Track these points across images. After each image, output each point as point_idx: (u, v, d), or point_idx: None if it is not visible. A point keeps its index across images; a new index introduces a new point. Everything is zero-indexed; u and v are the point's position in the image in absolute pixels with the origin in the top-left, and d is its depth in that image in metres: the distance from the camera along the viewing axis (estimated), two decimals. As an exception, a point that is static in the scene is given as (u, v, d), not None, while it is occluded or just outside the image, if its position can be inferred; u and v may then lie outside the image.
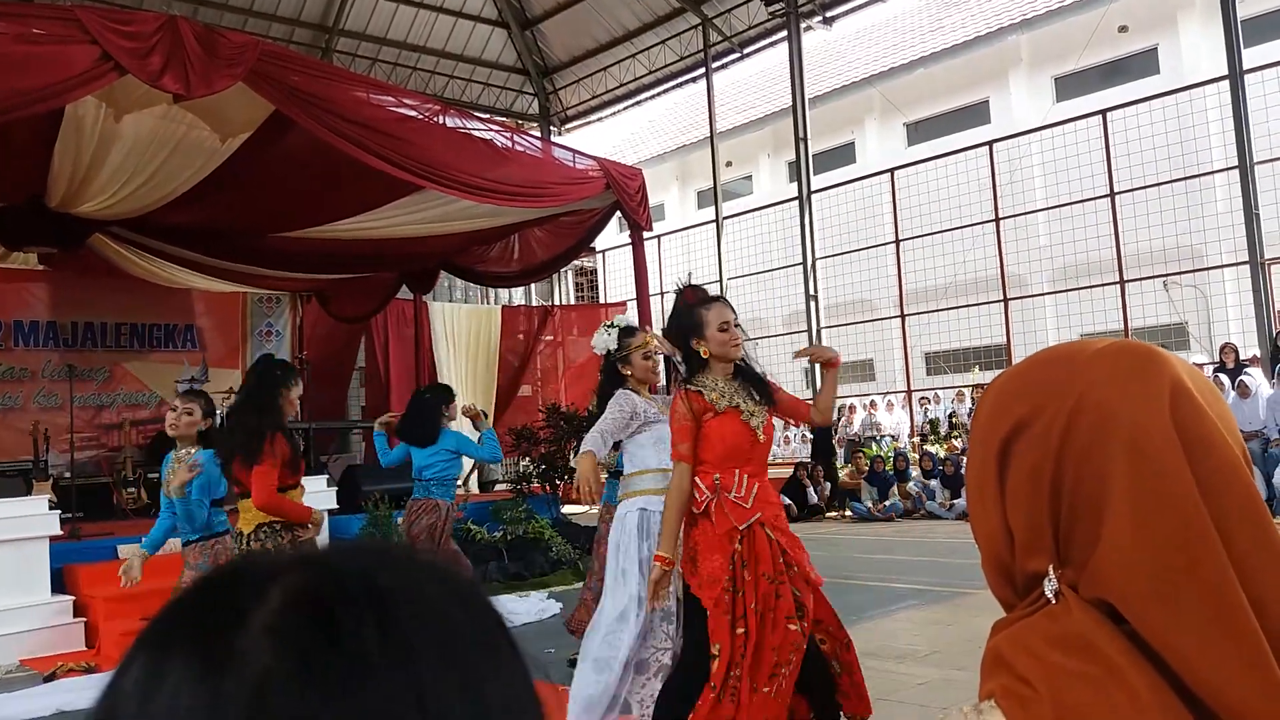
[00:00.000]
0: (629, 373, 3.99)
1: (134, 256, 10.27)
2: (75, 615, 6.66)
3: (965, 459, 0.89)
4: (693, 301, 3.36)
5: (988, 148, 14.09)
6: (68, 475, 9.52)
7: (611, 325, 4.13)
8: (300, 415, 12.46)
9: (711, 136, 16.73)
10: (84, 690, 5.13)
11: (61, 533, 7.06)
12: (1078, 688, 0.73)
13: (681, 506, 3.25)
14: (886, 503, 12.33)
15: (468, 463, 7.98)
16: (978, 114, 19.05)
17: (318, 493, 8.03)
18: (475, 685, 0.41)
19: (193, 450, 4.27)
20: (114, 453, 11.05)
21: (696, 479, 3.27)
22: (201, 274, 11.00)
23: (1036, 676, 0.75)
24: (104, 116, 6.84)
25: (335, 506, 8.21)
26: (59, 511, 7.26)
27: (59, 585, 6.78)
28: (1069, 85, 17.88)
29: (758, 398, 3.34)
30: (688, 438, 3.24)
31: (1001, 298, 13.96)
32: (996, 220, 13.97)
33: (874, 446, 13.86)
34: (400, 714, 0.38)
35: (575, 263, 18.02)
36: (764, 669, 3.02)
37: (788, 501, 12.82)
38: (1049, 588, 0.78)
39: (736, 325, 3.33)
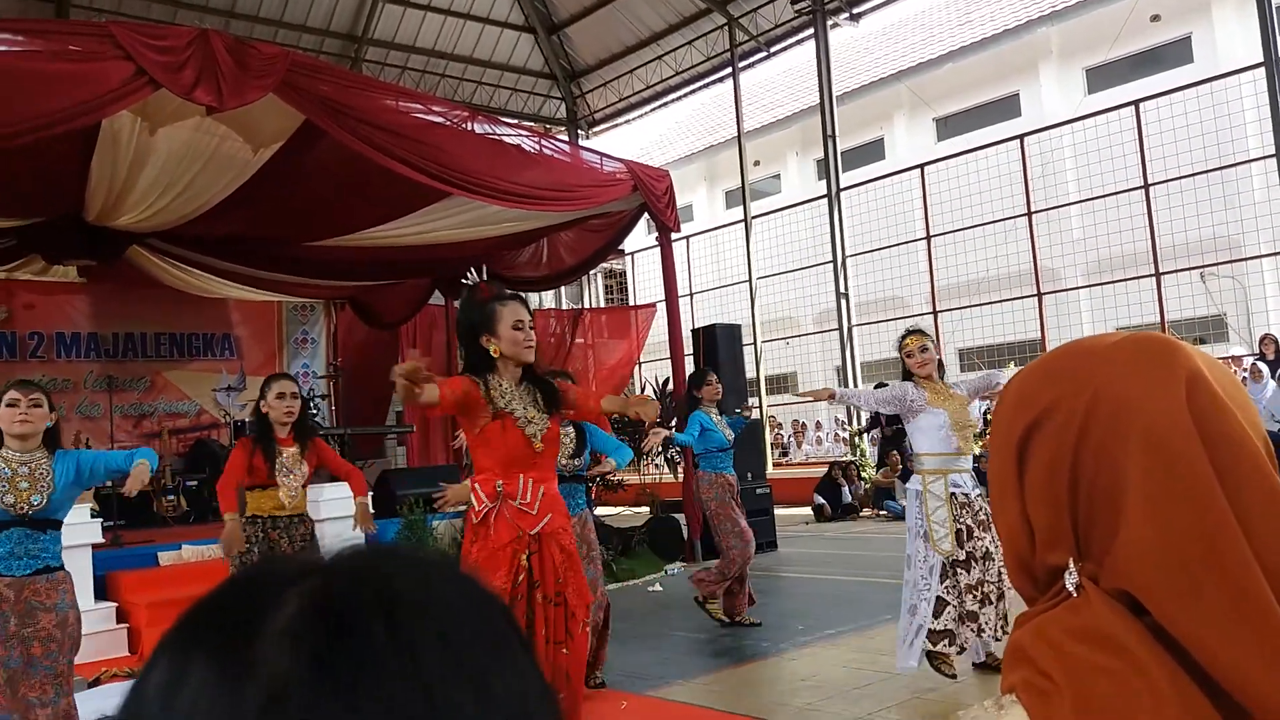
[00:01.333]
0: (910, 365, 4.77)
1: (171, 267, 10.43)
2: (118, 621, 6.76)
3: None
4: (487, 297, 3.27)
5: (1019, 141, 13.95)
6: (109, 484, 9.67)
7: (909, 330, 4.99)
8: (336, 420, 12.60)
9: (739, 136, 16.69)
10: (119, 695, 5.21)
11: (104, 540, 7.19)
12: (1099, 680, 0.72)
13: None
14: (921, 501, 12.23)
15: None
16: (1008, 108, 18.88)
17: (350, 497, 8.08)
18: (484, 681, 0.42)
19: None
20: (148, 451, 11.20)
21: (476, 485, 3.20)
22: (237, 284, 11.15)
23: (1057, 670, 0.75)
24: (139, 130, 6.95)
25: (371, 511, 8.25)
26: (101, 520, 7.39)
27: (101, 592, 6.88)
28: (1100, 76, 17.66)
29: (541, 404, 3.26)
30: (444, 386, 3.10)
31: (1035, 292, 13.81)
32: (1029, 214, 13.83)
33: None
34: (411, 712, 0.40)
35: (604, 265, 18.06)
36: None
37: (821, 501, 12.79)
38: (1069, 581, 0.78)
39: (530, 326, 3.28)
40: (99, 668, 6.16)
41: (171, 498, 10.08)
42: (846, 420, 15.32)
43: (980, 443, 13.00)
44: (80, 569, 6.78)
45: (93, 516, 7.17)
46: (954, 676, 4.54)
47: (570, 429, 5.05)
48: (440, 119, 7.75)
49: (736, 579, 6.29)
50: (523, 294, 3.57)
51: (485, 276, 3.41)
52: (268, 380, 4.99)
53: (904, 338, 4.86)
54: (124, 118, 6.61)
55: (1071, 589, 0.78)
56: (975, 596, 4.50)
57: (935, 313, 14.75)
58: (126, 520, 9.22)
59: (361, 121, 6.94)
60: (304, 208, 8.67)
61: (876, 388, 4.98)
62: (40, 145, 6.10)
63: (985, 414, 10.40)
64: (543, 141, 8.68)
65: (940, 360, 4.91)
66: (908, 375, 4.83)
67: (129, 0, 14.35)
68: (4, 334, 10.91)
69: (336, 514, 7.85)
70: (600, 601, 4.98)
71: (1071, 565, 0.78)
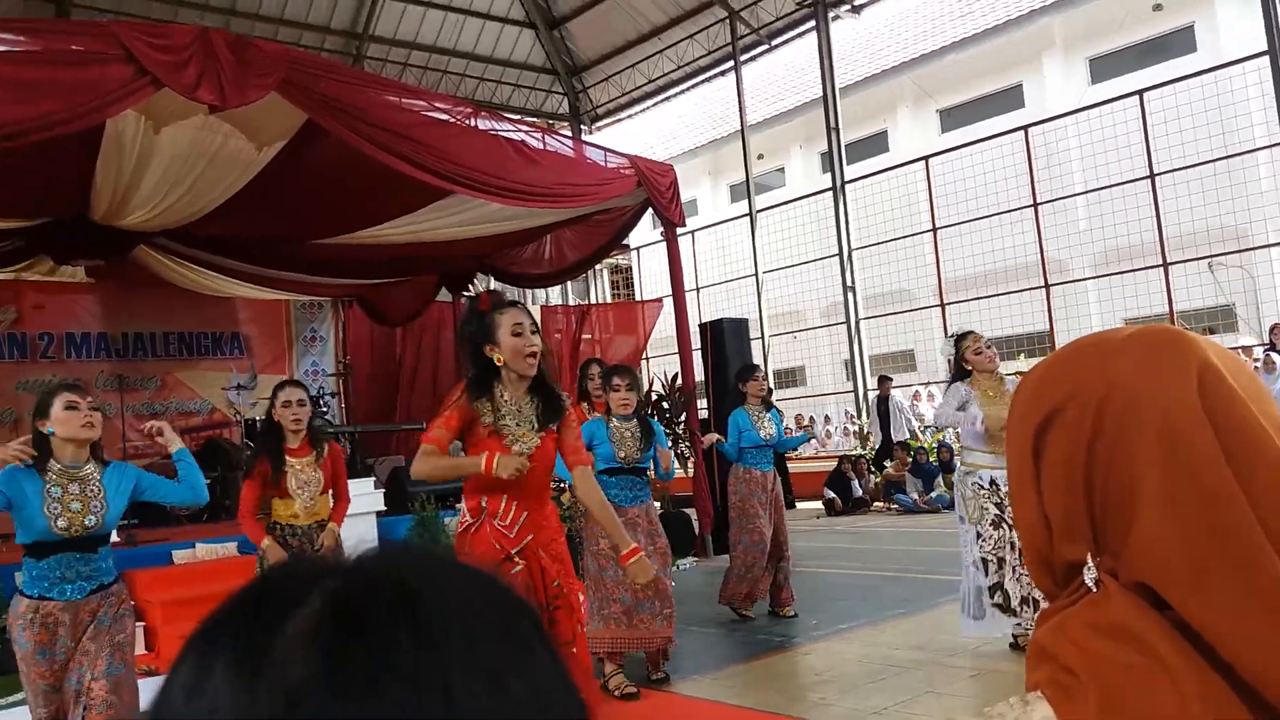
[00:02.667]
0: (969, 365, 5.19)
1: (178, 267, 10.45)
2: (134, 619, 6.78)
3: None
4: (486, 308, 3.23)
5: (1023, 132, 13.91)
6: (120, 483, 9.69)
7: (950, 336, 5.45)
8: (346, 419, 12.63)
9: (743, 130, 16.67)
10: (144, 692, 5.23)
11: (119, 539, 7.21)
12: (1121, 675, 0.73)
13: (447, 466, 3.26)
14: (932, 494, 12.22)
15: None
16: (1011, 98, 18.82)
17: (365, 495, 8.13)
18: (502, 680, 0.42)
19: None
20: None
21: (463, 501, 3.19)
22: (245, 282, 11.17)
23: (1080, 665, 0.75)
24: (143, 130, 6.95)
25: (384, 508, 8.30)
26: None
27: (116, 591, 6.91)
28: (1104, 66, 17.60)
29: (540, 418, 3.19)
30: (443, 428, 3.13)
31: (1043, 284, 13.77)
32: (1035, 205, 13.78)
33: (917, 438, 13.76)
34: (428, 713, 0.40)
35: (610, 260, 18.05)
36: None
37: (831, 495, 12.78)
38: (1088, 576, 0.78)
39: (533, 331, 3.20)
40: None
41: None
42: (855, 414, 15.29)
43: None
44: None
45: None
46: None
47: (634, 423, 5.27)
48: (443, 115, 7.74)
49: (764, 573, 6.37)
50: (527, 294, 3.60)
51: (489, 287, 3.47)
52: (276, 387, 4.96)
53: (962, 340, 5.31)
54: (128, 117, 6.61)
55: (1091, 584, 0.78)
56: (1014, 549, 4.98)
57: (942, 305, 14.73)
58: (140, 519, 9.26)
59: (363, 120, 6.93)
60: (309, 206, 8.68)
61: (945, 400, 5.46)
62: (46, 146, 6.11)
63: None
64: (546, 138, 8.66)
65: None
66: (960, 375, 5.27)
67: (130, 1, 14.37)
68: (14, 335, 10.95)
69: (351, 511, 7.85)
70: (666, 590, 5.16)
71: (1090, 560, 0.78)
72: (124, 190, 7.89)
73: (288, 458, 4.69)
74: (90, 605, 3.33)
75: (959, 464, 5.48)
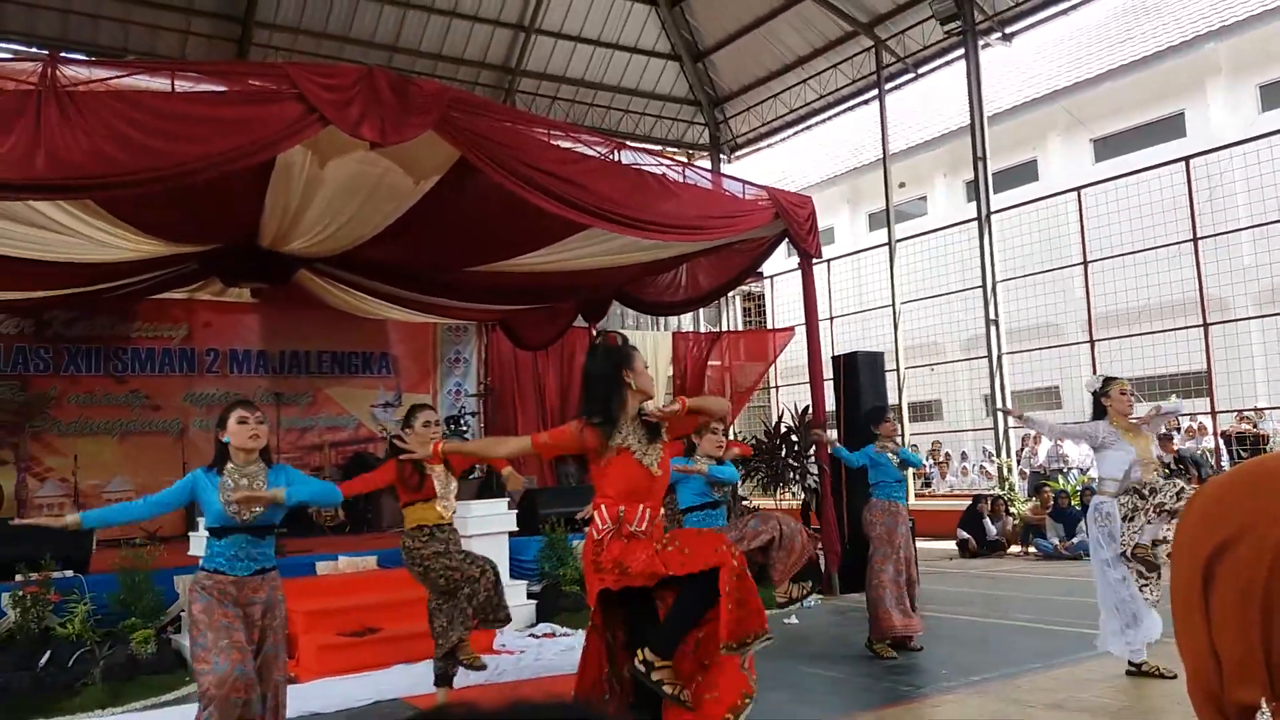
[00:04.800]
0: (1108, 405, 5.74)
1: (336, 290, 11.03)
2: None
3: (1171, 569, 0.84)
4: (621, 344, 3.79)
5: (1184, 163, 13.26)
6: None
7: (1099, 376, 5.98)
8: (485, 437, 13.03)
9: (884, 158, 16.44)
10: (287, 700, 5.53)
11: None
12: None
13: (495, 450, 4.63)
14: (1074, 540, 11.65)
15: None
16: (1172, 127, 17.96)
17: (497, 515, 8.38)
18: None
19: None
20: (315, 472, 11.84)
21: (600, 510, 3.58)
22: (396, 306, 11.70)
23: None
24: (309, 163, 7.40)
25: (515, 529, 8.52)
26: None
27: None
28: (1276, 93, 16.62)
29: (650, 438, 3.66)
30: (553, 438, 3.83)
31: (1201, 322, 13.06)
32: (1195, 240, 13.10)
33: (1060, 480, 13.23)
34: None
35: (743, 287, 18.05)
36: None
37: (965, 536, 12.39)
38: None
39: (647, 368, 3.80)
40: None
41: (330, 509, 10.61)
42: (994, 451, 14.80)
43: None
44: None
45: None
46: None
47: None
48: (588, 150, 7.95)
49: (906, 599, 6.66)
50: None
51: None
52: (414, 409, 5.54)
53: (1110, 384, 5.80)
54: (296, 151, 7.05)
55: None
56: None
57: (1092, 341, 14.13)
58: (288, 529, 9.77)
59: (513, 156, 7.20)
60: (459, 235, 9.05)
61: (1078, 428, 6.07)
62: (222, 179, 6.57)
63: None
64: (686, 171, 8.78)
65: None
66: (1099, 414, 5.80)
67: (303, 39, 15.29)
68: (185, 350, 11.76)
69: (483, 530, 8.16)
70: None
71: (1265, 705, 0.73)
72: (290, 219, 8.40)
73: (426, 465, 5.30)
74: (253, 584, 3.87)
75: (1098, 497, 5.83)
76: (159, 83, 6.29)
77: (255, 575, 3.87)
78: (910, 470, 7.07)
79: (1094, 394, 5.92)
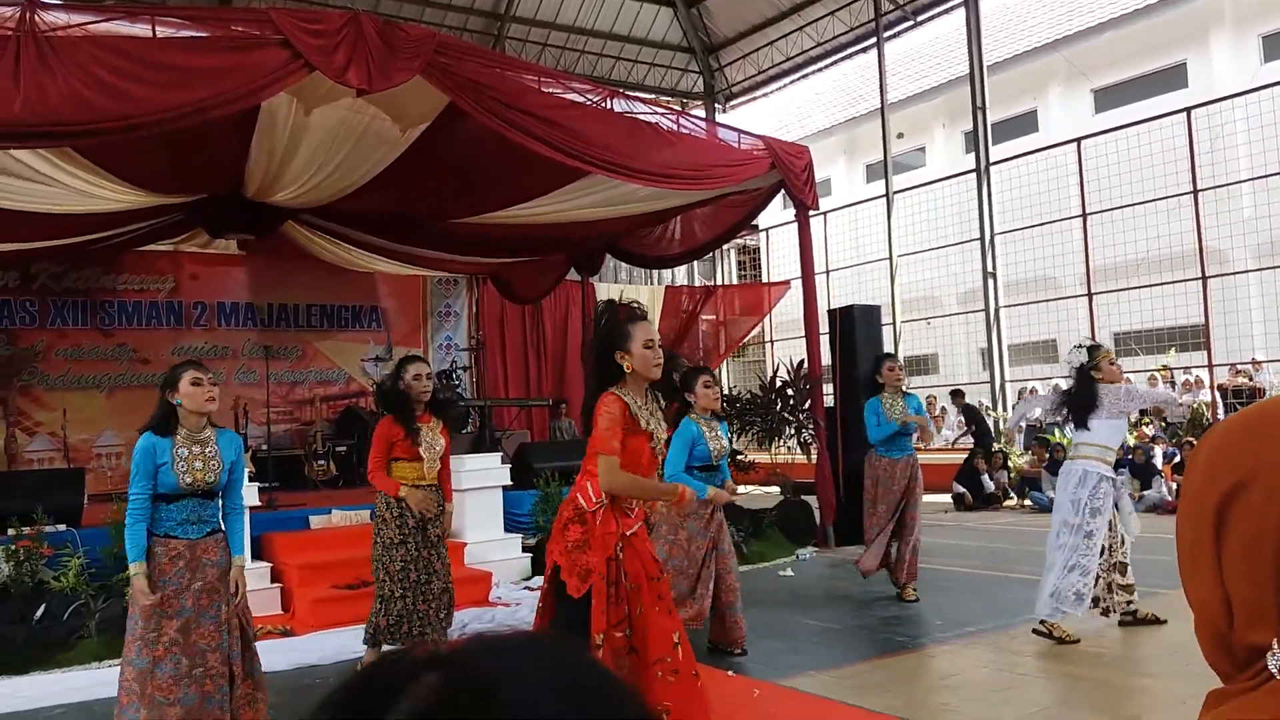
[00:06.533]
0: (1099, 377, 5.44)
1: (323, 241, 10.87)
2: (272, 581, 7.13)
3: (1178, 516, 0.82)
4: (622, 318, 3.43)
5: (1186, 114, 13.08)
6: (265, 447, 10.20)
7: (1079, 346, 5.60)
8: (477, 393, 12.95)
9: (883, 108, 16.19)
10: (280, 652, 5.51)
11: (260, 503, 7.57)
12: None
13: (640, 487, 3.42)
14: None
15: None
16: (1174, 78, 17.70)
17: (491, 469, 8.33)
18: None
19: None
20: (306, 426, 11.79)
21: (589, 484, 3.37)
22: (385, 258, 11.55)
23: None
24: (295, 111, 7.23)
25: (509, 482, 8.48)
26: (257, 483, 7.79)
27: (257, 552, 7.25)
28: (1279, 44, 16.37)
29: (661, 420, 3.51)
30: (620, 434, 3.32)
31: (1200, 275, 12.97)
32: (1195, 192, 12.97)
33: (1055, 433, 13.20)
34: None
35: (738, 240, 17.90)
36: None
37: (961, 490, 12.40)
38: (1272, 662, 0.72)
39: (660, 345, 3.45)
40: (255, 624, 6.51)
41: (322, 462, 10.57)
42: (991, 405, 14.77)
43: (1134, 434, 12.37)
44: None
45: (250, 480, 7.57)
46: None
47: (713, 420, 5.55)
48: (580, 97, 7.79)
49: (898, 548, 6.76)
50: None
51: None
52: (405, 360, 5.38)
53: (1097, 353, 5.51)
54: (281, 99, 6.89)
55: (1275, 670, 0.72)
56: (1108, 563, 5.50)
57: (1090, 294, 14.05)
58: (280, 483, 9.72)
59: (502, 103, 7.04)
60: (449, 185, 8.89)
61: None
62: (205, 127, 6.42)
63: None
64: (680, 120, 8.61)
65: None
66: (1086, 387, 5.48)
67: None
68: (172, 303, 11.62)
69: (478, 484, 8.10)
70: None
71: (1275, 645, 0.72)
72: (275, 168, 8.23)
73: (418, 423, 5.20)
74: (204, 545, 3.81)
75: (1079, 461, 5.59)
76: (140, 28, 6.13)
77: (208, 537, 3.83)
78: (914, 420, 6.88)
79: (1080, 368, 5.50)
